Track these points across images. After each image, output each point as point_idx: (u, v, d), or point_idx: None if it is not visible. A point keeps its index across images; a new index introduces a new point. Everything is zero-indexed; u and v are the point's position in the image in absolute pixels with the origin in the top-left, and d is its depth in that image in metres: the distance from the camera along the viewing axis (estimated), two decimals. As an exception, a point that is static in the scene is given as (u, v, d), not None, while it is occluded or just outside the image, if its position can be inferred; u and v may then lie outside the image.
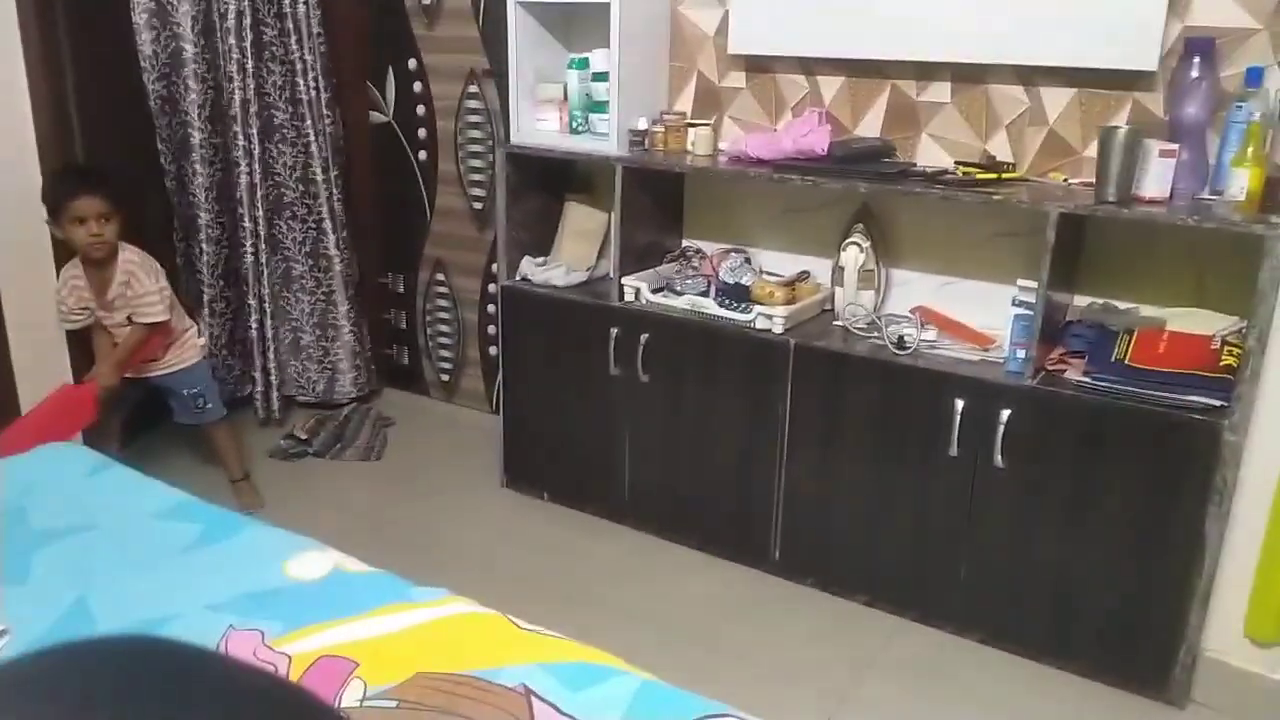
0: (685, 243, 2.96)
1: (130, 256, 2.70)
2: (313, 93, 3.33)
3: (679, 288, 2.69)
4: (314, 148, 3.37)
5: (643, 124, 2.73)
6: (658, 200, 2.85)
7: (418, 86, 3.49)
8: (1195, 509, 2.05)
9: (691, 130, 2.73)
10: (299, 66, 3.29)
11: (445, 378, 3.77)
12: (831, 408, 2.45)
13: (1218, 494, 2.02)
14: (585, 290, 2.87)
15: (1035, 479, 2.22)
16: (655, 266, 2.83)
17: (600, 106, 2.76)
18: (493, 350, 3.52)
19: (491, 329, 3.50)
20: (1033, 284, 2.17)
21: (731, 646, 2.38)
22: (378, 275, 3.79)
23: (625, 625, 2.42)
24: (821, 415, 2.47)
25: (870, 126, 2.64)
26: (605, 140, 2.74)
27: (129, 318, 2.71)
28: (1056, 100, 2.39)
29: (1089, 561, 2.19)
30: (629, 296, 2.73)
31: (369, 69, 3.58)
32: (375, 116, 3.63)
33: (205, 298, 3.27)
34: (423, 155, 3.56)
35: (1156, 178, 2.09)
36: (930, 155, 2.56)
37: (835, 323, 2.58)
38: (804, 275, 2.71)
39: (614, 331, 2.72)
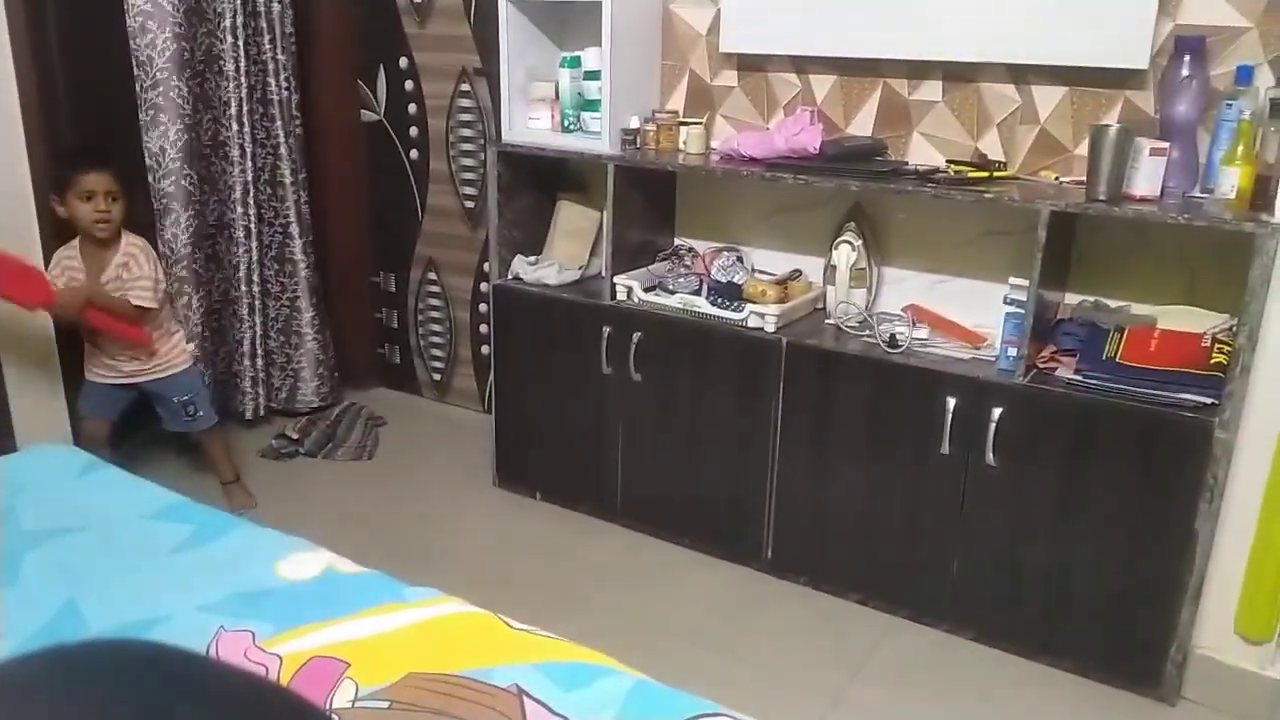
0: (677, 241, 2.96)
1: (134, 241, 2.69)
2: (284, 93, 3.29)
3: (671, 286, 2.69)
4: (283, 150, 3.32)
5: (635, 122, 2.73)
6: (650, 199, 2.85)
7: (409, 85, 3.48)
8: (1186, 506, 2.06)
9: (683, 129, 2.73)
10: (270, 67, 3.24)
11: (437, 377, 3.76)
12: (823, 406, 2.45)
13: (1209, 491, 2.03)
14: (577, 289, 2.86)
15: (1027, 477, 2.22)
16: (647, 265, 2.83)
17: (592, 105, 2.75)
18: (485, 349, 3.51)
19: (483, 328, 3.49)
20: (1024, 282, 2.17)
21: (724, 646, 2.38)
22: (369, 274, 3.79)
23: (618, 625, 2.42)
24: (813, 414, 2.47)
25: (862, 125, 2.65)
26: (597, 139, 2.73)
27: None
28: (1048, 99, 2.40)
29: (1080, 559, 2.20)
30: (621, 295, 2.73)
31: (360, 68, 3.57)
32: (366, 115, 3.62)
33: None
34: (414, 154, 3.55)
35: (1147, 176, 2.10)
36: (922, 154, 2.56)
37: (827, 321, 2.58)
38: (796, 274, 2.71)
39: (606, 330, 2.72)
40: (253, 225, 3.31)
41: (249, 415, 3.43)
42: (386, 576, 1.60)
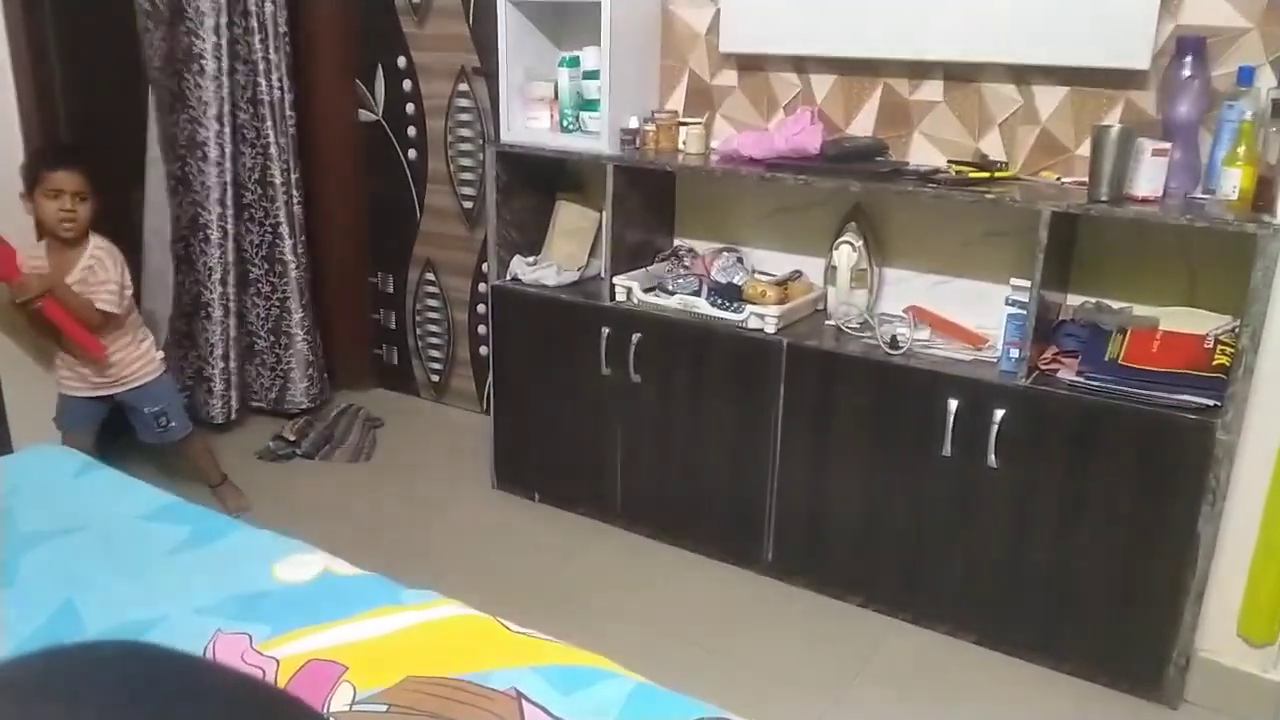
0: (677, 242, 2.95)
1: (100, 244, 2.64)
2: (276, 93, 3.28)
3: (671, 287, 2.68)
4: (274, 150, 3.31)
5: (634, 122, 2.72)
6: (649, 199, 2.84)
7: (407, 85, 3.48)
8: (1188, 508, 2.05)
9: (683, 129, 2.72)
10: (262, 66, 3.23)
11: (435, 378, 3.75)
12: (824, 408, 2.44)
13: (1211, 493, 2.02)
14: (576, 290, 2.85)
15: (1029, 479, 2.22)
16: (647, 266, 2.82)
17: (591, 105, 2.75)
18: (483, 350, 3.50)
19: (482, 329, 3.48)
20: (1026, 283, 2.16)
21: (724, 648, 2.37)
22: (366, 275, 3.78)
23: (617, 627, 2.41)
24: (814, 415, 2.46)
25: (862, 125, 2.64)
26: (596, 139, 2.73)
27: None
28: (1049, 99, 2.39)
29: (1082, 561, 2.19)
30: (620, 296, 2.72)
31: (357, 67, 3.56)
32: (365, 115, 3.61)
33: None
34: (412, 154, 3.54)
35: (1149, 177, 2.09)
36: (923, 154, 2.56)
37: (828, 322, 2.57)
38: (796, 274, 2.70)
39: (605, 331, 2.71)
40: (230, 225, 3.27)
41: (219, 420, 3.40)
42: (384, 579, 1.59)
